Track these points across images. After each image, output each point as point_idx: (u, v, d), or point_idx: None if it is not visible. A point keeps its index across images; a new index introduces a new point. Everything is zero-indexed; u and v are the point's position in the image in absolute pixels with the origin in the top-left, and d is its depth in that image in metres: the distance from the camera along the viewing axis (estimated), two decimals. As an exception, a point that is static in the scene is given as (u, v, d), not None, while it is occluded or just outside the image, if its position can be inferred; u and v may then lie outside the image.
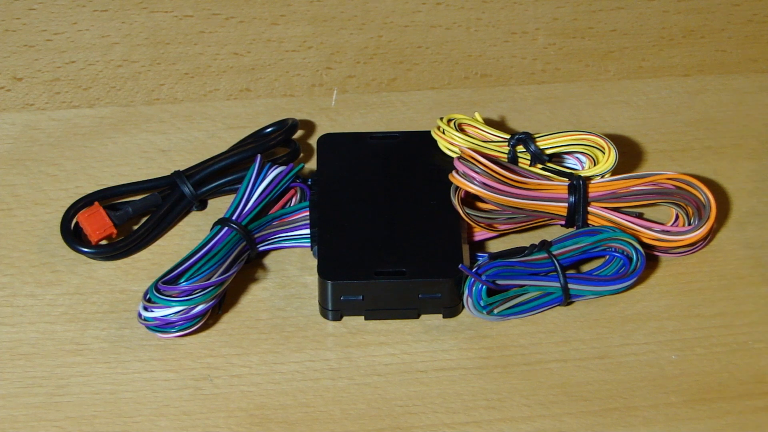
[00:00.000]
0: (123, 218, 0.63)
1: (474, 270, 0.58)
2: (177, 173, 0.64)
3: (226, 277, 0.58)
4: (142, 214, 0.64)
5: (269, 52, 0.70)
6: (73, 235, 0.62)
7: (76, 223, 0.62)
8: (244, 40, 0.69)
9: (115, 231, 0.62)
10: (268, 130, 0.66)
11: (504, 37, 0.71)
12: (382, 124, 0.69)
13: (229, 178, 0.64)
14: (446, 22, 0.70)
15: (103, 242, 0.62)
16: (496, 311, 0.59)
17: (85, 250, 0.62)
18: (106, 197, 0.64)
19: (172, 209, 0.63)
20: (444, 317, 0.60)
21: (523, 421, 0.57)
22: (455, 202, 0.60)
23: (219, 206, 0.64)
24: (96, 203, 0.62)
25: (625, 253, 0.60)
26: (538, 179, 0.61)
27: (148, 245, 0.63)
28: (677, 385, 0.58)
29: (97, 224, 0.62)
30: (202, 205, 0.64)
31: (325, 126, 0.69)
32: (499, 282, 0.58)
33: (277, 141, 0.65)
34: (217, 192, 0.64)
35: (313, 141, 0.68)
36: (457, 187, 0.60)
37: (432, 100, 0.71)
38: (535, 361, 0.59)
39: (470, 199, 0.61)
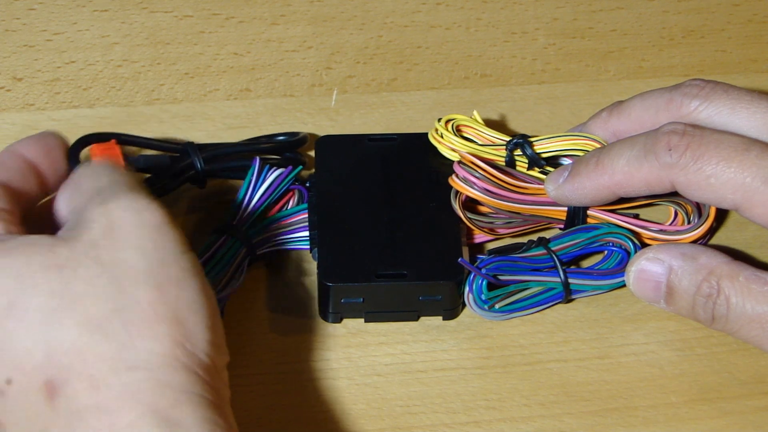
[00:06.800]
0: (133, 166, 0.61)
1: (475, 264, 0.58)
2: (190, 144, 0.63)
3: (231, 290, 0.58)
4: (146, 171, 0.62)
5: (269, 52, 0.70)
6: (76, 160, 0.59)
7: (88, 155, 0.59)
8: (244, 40, 0.70)
9: None
10: (280, 137, 0.65)
11: (504, 37, 0.71)
12: (382, 124, 0.69)
13: (235, 164, 0.63)
14: (446, 22, 0.70)
15: None
16: (497, 306, 0.59)
17: None
18: (122, 142, 0.61)
19: (177, 175, 0.62)
20: (444, 319, 0.60)
21: (523, 421, 0.57)
22: (456, 206, 0.60)
23: (217, 210, 0.64)
24: (113, 141, 0.60)
25: (622, 247, 0.60)
26: (538, 184, 0.61)
27: None
28: (677, 385, 0.58)
29: (111, 159, 0.58)
30: (201, 183, 0.63)
31: (324, 126, 0.69)
32: (500, 277, 0.58)
33: (285, 147, 0.65)
34: (220, 174, 0.63)
35: (312, 142, 0.68)
36: (457, 192, 0.60)
37: (432, 101, 0.71)
38: (535, 361, 0.59)
39: (471, 203, 0.61)
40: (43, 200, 0.56)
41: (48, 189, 0.56)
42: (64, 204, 0.52)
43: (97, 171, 0.52)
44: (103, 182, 0.51)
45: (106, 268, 0.47)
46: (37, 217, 0.55)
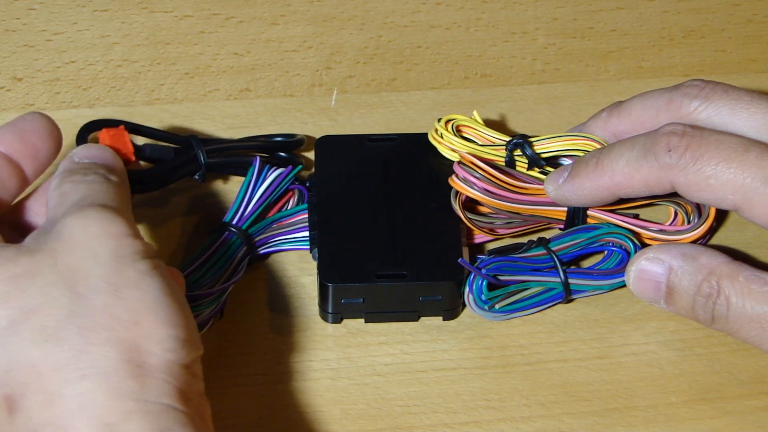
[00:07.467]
0: (140, 154, 0.60)
1: (475, 265, 0.58)
2: (193, 137, 0.62)
3: (230, 284, 0.58)
4: (151, 161, 0.62)
5: (269, 52, 0.70)
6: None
7: (96, 139, 0.59)
8: (244, 40, 0.70)
9: (134, 158, 0.59)
10: (277, 138, 0.65)
11: (504, 37, 0.71)
12: (382, 124, 0.69)
13: (237, 160, 0.63)
14: (446, 22, 0.70)
15: None
16: (497, 306, 0.59)
17: None
18: (128, 130, 0.60)
19: (180, 166, 0.62)
20: (444, 320, 0.60)
21: (523, 421, 0.57)
22: (456, 206, 0.60)
23: (217, 209, 0.64)
24: (122, 127, 0.59)
25: (622, 247, 0.60)
26: (538, 184, 0.61)
27: (146, 192, 0.62)
28: (677, 385, 0.58)
29: (120, 145, 0.58)
30: (202, 177, 0.63)
31: (324, 126, 0.69)
32: (500, 277, 0.58)
33: (282, 149, 0.65)
34: (222, 169, 0.64)
35: (312, 142, 0.68)
36: (457, 192, 0.60)
37: (432, 101, 0.71)
38: (535, 361, 0.59)
39: (471, 203, 0.61)
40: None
41: (28, 179, 0.55)
42: (50, 207, 0.52)
43: (80, 185, 0.52)
44: (81, 194, 0.51)
45: (63, 276, 0.46)
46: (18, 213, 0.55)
